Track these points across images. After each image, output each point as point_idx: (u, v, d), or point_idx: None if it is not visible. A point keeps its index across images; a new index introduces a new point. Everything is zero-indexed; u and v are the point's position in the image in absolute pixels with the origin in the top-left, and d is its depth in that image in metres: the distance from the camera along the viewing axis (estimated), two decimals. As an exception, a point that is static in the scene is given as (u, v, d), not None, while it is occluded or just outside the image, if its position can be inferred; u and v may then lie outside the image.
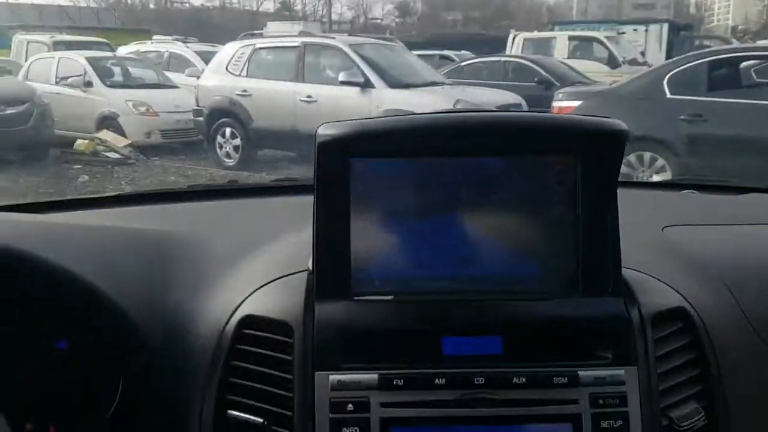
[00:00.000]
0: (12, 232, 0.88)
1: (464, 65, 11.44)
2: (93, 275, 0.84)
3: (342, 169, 0.86)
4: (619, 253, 0.89)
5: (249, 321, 0.88)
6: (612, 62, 13.61)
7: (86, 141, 8.08)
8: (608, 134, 0.85)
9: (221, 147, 7.93)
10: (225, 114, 7.91)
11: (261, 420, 0.83)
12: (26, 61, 10.44)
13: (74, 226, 1.01)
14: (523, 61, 11.10)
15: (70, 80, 8.86)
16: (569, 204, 0.89)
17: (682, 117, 5.14)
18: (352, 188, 0.88)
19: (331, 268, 0.88)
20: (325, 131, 0.83)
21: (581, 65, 12.16)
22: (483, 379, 0.83)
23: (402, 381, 0.83)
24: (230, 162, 7.83)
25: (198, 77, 8.65)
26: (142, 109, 8.54)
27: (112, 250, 0.97)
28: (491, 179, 0.89)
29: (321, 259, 0.88)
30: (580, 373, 0.84)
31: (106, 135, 8.24)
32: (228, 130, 7.87)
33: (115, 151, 7.93)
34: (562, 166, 0.89)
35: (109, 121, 8.52)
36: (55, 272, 0.82)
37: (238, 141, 7.82)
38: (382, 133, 0.85)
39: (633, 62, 13.64)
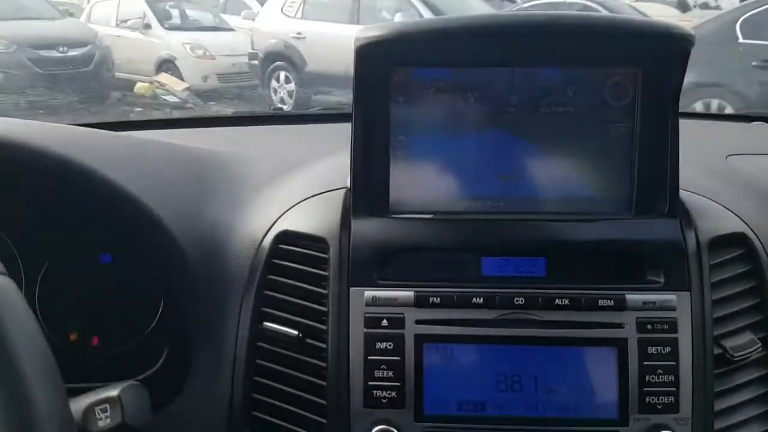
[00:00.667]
0: (67, 141, 0.87)
1: (526, 6, 11.01)
2: (135, 187, 0.84)
3: (383, 78, 0.82)
4: (677, 173, 0.83)
5: (285, 236, 0.87)
6: (682, 6, 12.87)
7: (146, 84, 8.20)
8: (674, 38, 0.78)
9: (276, 92, 7.93)
10: (279, 57, 7.87)
11: (296, 332, 0.83)
12: (88, 2, 10.60)
13: (119, 138, 1.01)
14: (589, 3, 10.60)
15: (129, 23, 8.95)
16: (627, 119, 0.83)
17: (754, 63, 4.83)
18: (392, 100, 0.84)
19: (368, 185, 0.86)
20: (365, 33, 0.79)
21: (649, 8, 11.53)
22: (523, 299, 0.80)
23: (438, 299, 0.81)
24: (285, 107, 7.84)
25: (254, 20, 8.61)
26: (199, 52, 8.57)
27: (156, 163, 0.97)
28: (543, 92, 0.84)
29: (358, 175, 0.85)
30: (628, 296, 0.79)
31: (164, 78, 8.34)
32: (282, 74, 7.84)
33: (173, 95, 8.04)
34: (621, 77, 0.83)
35: (167, 64, 8.60)
36: (102, 182, 0.81)
37: (292, 86, 7.81)
38: (429, 35, 0.80)
39: (704, 6, 12.88)
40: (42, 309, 0.92)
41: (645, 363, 0.78)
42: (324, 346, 0.82)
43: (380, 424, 0.78)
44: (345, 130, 0.87)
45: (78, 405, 0.65)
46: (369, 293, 0.81)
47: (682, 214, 0.84)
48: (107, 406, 0.66)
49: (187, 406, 0.86)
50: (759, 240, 0.86)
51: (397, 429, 0.78)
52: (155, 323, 0.90)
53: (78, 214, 0.89)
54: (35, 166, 0.79)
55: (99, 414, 0.65)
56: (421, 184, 0.87)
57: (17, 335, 0.53)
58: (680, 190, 0.84)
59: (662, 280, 0.81)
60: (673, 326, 0.79)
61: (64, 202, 0.86)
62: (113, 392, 0.67)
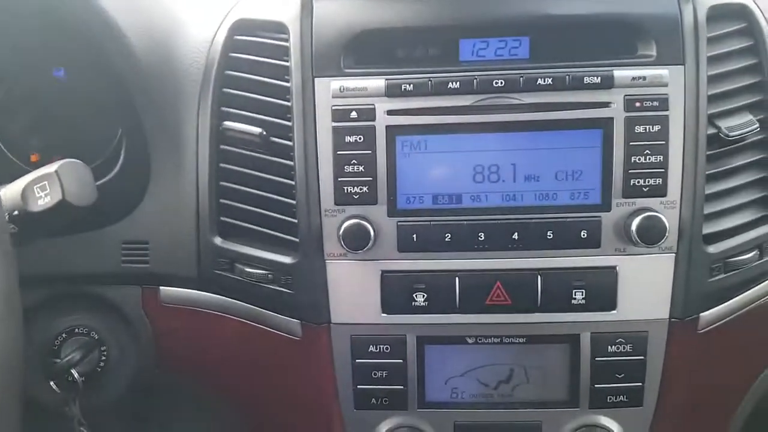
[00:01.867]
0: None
1: None
2: None
3: None
4: None
5: (240, 25, 0.79)
6: None
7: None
8: None
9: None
10: None
11: (259, 130, 0.77)
12: None
13: None
14: None
15: None
16: None
17: None
18: None
19: None
20: None
21: None
22: (503, 81, 0.74)
23: (411, 86, 0.74)
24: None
25: None
26: None
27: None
28: None
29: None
30: (616, 72, 0.73)
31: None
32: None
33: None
34: None
35: None
36: None
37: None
38: None
39: None
40: (0, 131, 0.87)
41: (632, 143, 0.73)
42: (290, 143, 0.76)
43: (352, 220, 0.75)
44: None
45: (17, 186, 0.61)
46: (336, 83, 0.75)
47: None
48: (46, 183, 0.61)
49: (153, 215, 0.82)
50: (762, 14, 0.78)
51: (369, 224, 0.75)
52: (116, 140, 0.85)
53: (29, 28, 0.81)
54: None
55: (38, 192, 0.61)
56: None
57: None
58: None
59: (654, 54, 0.74)
60: (664, 103, 0.73)
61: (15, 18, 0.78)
62: (51, 169, 0.62)
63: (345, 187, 0.75)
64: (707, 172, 0.76)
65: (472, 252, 0.76)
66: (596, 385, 0.79)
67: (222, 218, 0.81)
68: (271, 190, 0.78)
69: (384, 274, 0.77)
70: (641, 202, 0.74)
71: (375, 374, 0.80)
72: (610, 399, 0.79)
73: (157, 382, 0.91)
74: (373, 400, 0.80)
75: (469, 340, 0.80)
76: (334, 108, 0.75)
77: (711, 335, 0.79)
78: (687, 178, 0.74)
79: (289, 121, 0.76)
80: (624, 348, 0.78)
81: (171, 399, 0.98)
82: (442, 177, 0.75)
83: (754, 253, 0.79)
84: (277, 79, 0.77)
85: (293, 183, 0.76)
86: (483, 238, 0.76)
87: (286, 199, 0.77)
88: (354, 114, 0.74)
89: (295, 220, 0.77)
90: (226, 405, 0.89)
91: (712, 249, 0.76)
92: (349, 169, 0.75)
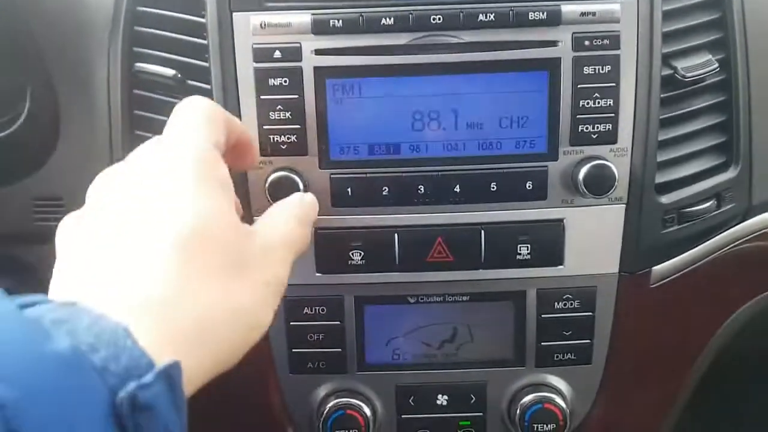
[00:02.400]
0: None
1: None
2: None
3: None
4: None
5: None
6: None
7: None
8: None
9: None
10: None
11: (172, 72, 0.70)
12: None
13: None
14: None
15: None
16: None
17: None
18: None
19: None
20: None
21: None
22: (441, 17, 0.67)
23: (340, 22, 0.67)
24: None
25: None
26: None
27: None
28: None
29: None
30: (564, 7, 0.66)
31: None
32: None
33: None
34: None
35: None
36: None
37: None
38: None
39: None
40: None
41: (580, 86, 0.67)
42: (207, 86, 0.69)
43: (279, 172, 0.68)
44: None
45: None
46: (256, 18, 0.67)
47: None
48: None
49: (65, 169, 0.75)
50: None
51: (299, 177, 0.68)
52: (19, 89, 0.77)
53: None
54: None
55: None
56: None
57: None
58: None
59: None
60: (615, 41, 0.67)
61: None
62: None
63: (271, 136, 0.69)
64: (661, 117, 0.70)
65: (411, 206, 0.71)
66: (542, 343, 0.75)
67: None
68: None
69: (317, 231, 0.71)
70: (590, 150, 0.69)
71: (311, 337, 0.75)
72: (558, 357, 0.75)
73: None
74: (310, 364, 0.76)
75: (411, 300, 0.75)
76: (255, 46, 0.67)
77: (664, 290, 0.75)
78: (639, 123, 0.69)
79: (206, 61, 0.69)
80: (571, 304, 0.74)
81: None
82: (379, 125, 0.69)
83: (711, 202, 0.74)
84: (192, 15, 0.70)
85: None
86: (423, 191, 0.70)
87: None
88: (278, 54, 0.67)
89: None
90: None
91: (665, 199, 0.72)
92: (274, 116, 0.68)
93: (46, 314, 0.35)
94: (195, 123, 0.52)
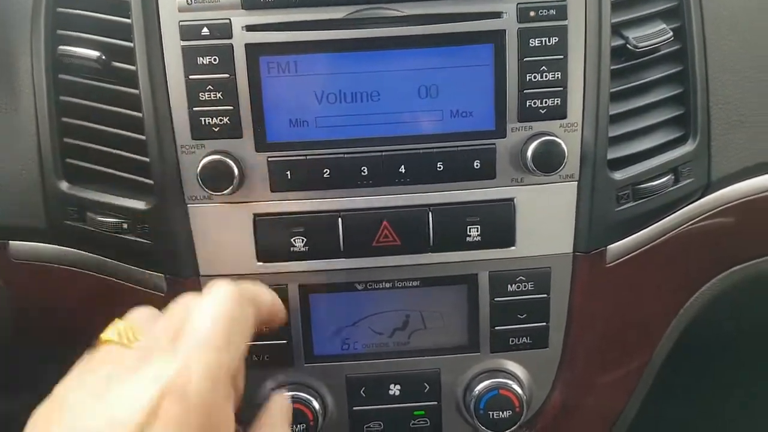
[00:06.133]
0: None
1: None
2: None
3: None
4: None
5: None
6: None
7: None
8: None
9: None
10: None
11: (96, 53, 0.65)
12: None
13: None
14: None
15: None
16: None
17: None
18: None
19: None
20: None
21: None
22: (380, -12, 0.63)
23: None
24: None
25: None
26: None
27: None
28: None
29: None
30: None
31: None
32: None
33: None
34: None
35: None
36: None
37: None
38: None
39: None
40: None
41: (526, 60, 0.64)
42: (133, 68, 0.65)
43: (212, 156, 0.65)
44: None
45: None
46: None
47: None
48: None
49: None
50: None
51: (234, 161, 0.65)
52: None
53: None
54: None
55: None
56: None
57: None
58: None
59: None
60: (561, 11, 0.64)
61: None
62: None
63: (202, 119, 0.65)
64: (613, 90, 0.68)
65: (355, 189, 0.67)
66: (497, 328, 0.72)
67: (67, 160, 0.70)
68: (117, 124, 0.67)
69: (257, 218, 0.68)
70: (539, 125, 0.66)
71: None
72: (513, 341, 0.73)
73: (21, 347, 0.81)
74: (254, 357, 0.72)
75: (359, 287, 0.72)
76: (182, 24, 0.63)
77: (621, 269, 0.73)
78: (589, 97, 0.66)
79: (131, 41, 0.65)
80: (525, 286, 0.71)
81: (40, 367, 0.89)
82: (317, 104, 0.65)
83: (668, 177, 0.72)
84: None
85: (140, 114, 0.66)
86: (366, 172, 0.67)
87: (135, 135, 0.67)
88: (206, 31, 0.63)
89: (147, 159, 0.66)
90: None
91: (619, 175, 0.69)
92: (204, 96, 0.64)
93: None
94: (213, 336, 0.45)
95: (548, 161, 0.64)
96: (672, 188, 0.72)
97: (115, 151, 0.68)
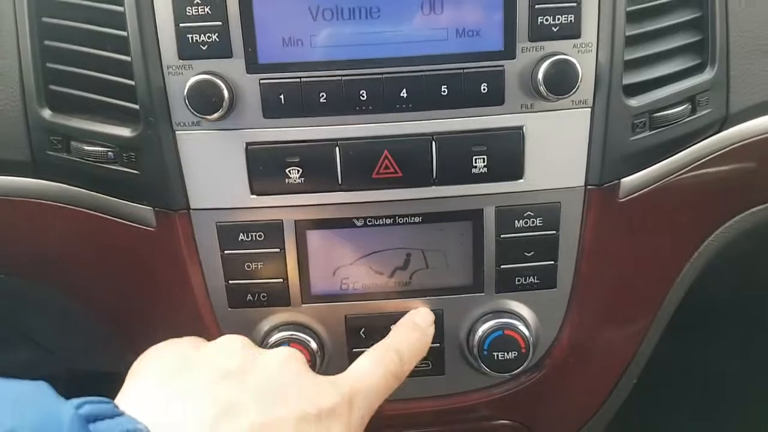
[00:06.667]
0: None
1: None
2: None
3: None
4: None
5: None
6: None
7: None
8: None
9: None
10: None
11: None
12: None
13: None
14: None
15: None
16: None
17: None
18: None
19: None
20: None
21: None
22: None
23: None
24: None
25: None
26: None
27: None
28: None
29: None
30: None
31: None
32: None
33: None
34: None
35: None
36: None
37: None
38: None
39: None
40: None
41: None
42: None
43: (201, 76, 0.60)
44: None
45: None
46: None
47: None
48: None
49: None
50: None
51: (224, 82, 0.61)
52: None
53: None
54: None
55: None
56: None
57: None
58: None
59: None
60: None
61: None
62: None
63: (189, 36, 0.60)
64: (629, 9, 0.63)
65: (353, 115, 0.63)
66: (502, 266, 0.68)
67: (51, 86, 0.66)
68: (101, 45, 0.63)
69: (249, 147, 0.64)
70: (551, 45, 0.61)
71: (249, 267, 0.68)
72: (519, 281, 0.69)
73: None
74: (250, 297, 0.69)
75: (358, 223, 0.68)
76: None
77: (634, 205, 0.69)
78: (604, 15, 0.62)
79: None
80: (533, 222, 0.67)
81: (24, 309, 0.86)
82: (312, 22, 0.61)
83: (685, 106, 0.67)
84: None
85: (126, 34, 0.61)
86: (366, 97, 0.63)
87: (119, 56, 0.62)
88: None
89: (133, 82, 0.62)
90: (85, 314, 0.77)
91: (635, 101, 0.65)
92: (192, 11, 0.60)
93: None
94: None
95: (561, 83, 0.60)
96: (689, 118, 0.68)
97: (99, 74, 0.64)
